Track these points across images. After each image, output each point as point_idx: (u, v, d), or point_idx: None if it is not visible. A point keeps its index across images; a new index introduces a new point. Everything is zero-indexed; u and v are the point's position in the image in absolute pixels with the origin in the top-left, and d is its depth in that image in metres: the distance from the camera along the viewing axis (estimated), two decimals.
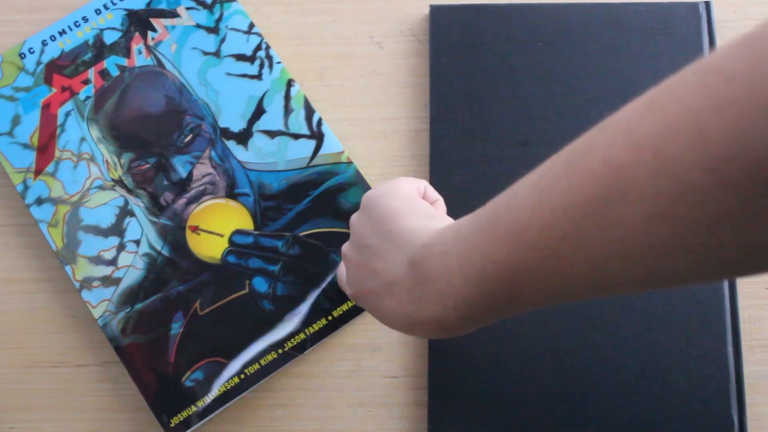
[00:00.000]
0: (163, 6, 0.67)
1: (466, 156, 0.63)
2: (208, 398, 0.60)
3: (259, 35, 0.67)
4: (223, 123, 0.65)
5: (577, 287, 0.37)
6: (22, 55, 0.66)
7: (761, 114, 0.27)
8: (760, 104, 0.27)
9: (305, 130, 0.65)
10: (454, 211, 0.61)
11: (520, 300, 0.39)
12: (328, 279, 0.62)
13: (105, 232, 0.63)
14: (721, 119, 0.28)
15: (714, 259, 0.32)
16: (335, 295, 0.62)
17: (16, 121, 0.65)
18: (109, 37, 0.67)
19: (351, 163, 0.64)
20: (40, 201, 0.63)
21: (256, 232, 0.63)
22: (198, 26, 0.67)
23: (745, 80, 0.28)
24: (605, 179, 0.33)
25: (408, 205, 0.49)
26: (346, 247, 0.53)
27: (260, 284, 0.62)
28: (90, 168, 0.64)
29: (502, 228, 0.38)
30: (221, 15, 0.67)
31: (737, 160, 0.28)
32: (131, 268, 0.62)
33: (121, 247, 0.63)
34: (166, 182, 0.63)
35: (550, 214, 0.35)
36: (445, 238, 0.43)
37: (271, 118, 0.65)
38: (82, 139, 0.64)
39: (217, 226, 0.63)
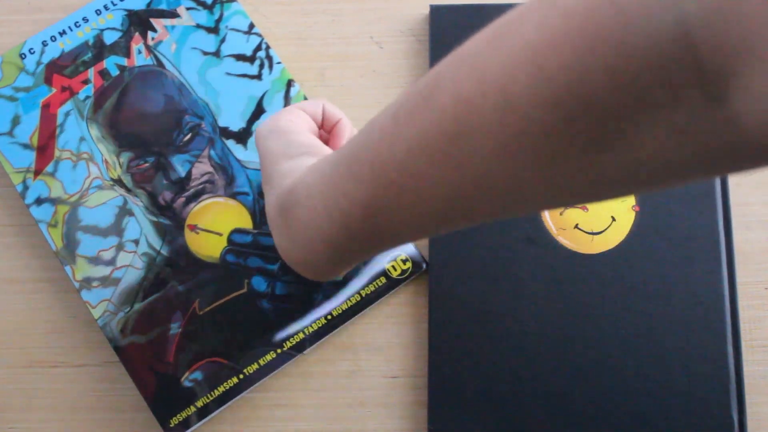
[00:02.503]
0: (163, 6, 0.67)
1: None
2: (208, 398, 0.60)
3: (259, 35, 0.67)
4: (222, 122, 0.65)
5: (435, 221, 0.38)
6: (23, 56, 0.66)
7: (594, 49, 0.28)
8: (594, 39, 0.28)
9: None
10: None
11: (383, 237, 0.41)
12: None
13: (104, 232, 0.63)
14: (559, 54, 0.29)
15: (561, 188, 0.33)
16: (335, 294, 0.62)
17: (15, 121, 0.65)
18: (109, 37, 0.67)
19: None
20: (39, 201, 0.63)
21: (255, 231, 0.63)
22: (198, 26, 0.67)
23: (582, 16, 0.29)
24: (455, 114, 0.33)
25: (285, 145, 0.50)
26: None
27: (259, 283, 0.62)
28: (89, 167, 0.64)
29: (363, 166, 0.39)
30: (221, 15, 0.67)
31: (575, 94, 0.29)
32: (130, 267, 0.62)
33: (120, 247, 0.63)
34: (165, 181, 0.64)
35: (407, 151, 0.36)
36: (310, 180, 0.44)
37: None
38: (82, 139, 0.64)
39: (216, 225, 0.63)
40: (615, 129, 0.29)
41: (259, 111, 0.65)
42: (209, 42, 0.66)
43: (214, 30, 0.67)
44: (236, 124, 0.65)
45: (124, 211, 0.63)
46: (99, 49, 0.66)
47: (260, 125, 0.54)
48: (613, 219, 0.61)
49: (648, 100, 0.28)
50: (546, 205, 0.36)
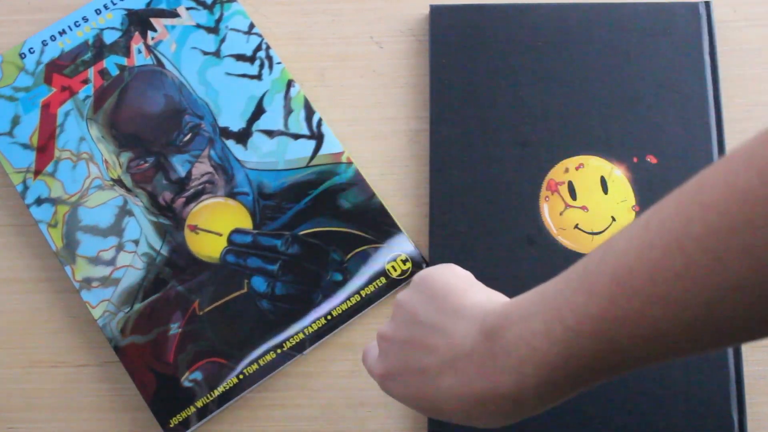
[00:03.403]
0: (163, 6, 0.67)
1: (466, 156, 0.63)
2: (208, 398, 0.60)
3: (259, 35, 0.67)
4: (222, 122, 0.65)
5: (682, 339, 0.34)
6: (22, 55, 0.66)
7: None
8: None
9: (305, 131, 0.65)
10: (454, 211, 0.61)
11: (614, 359, 0.36)
12: (328, 278, 0.62)
13: (104, 232, 0.63)
14: None
15: None
16: (335, 294, 0.62)
17: (15, 121, 0.65)
18: (109, 37, 0.67)
19: (351, 163, 0.64)
20: (39, 201, 0.63)
21: (255, 231, 0.63)
22: (198, 26, 0.67)
23: None
24: (728, 207, 0.30)
25: (470, 283, 0.46)
26: (385, 326, 0.48)
27: (259, 283, 0.62)
28: (89, 167, 0.64)
29: (600, 278, 0.35)
30: (221, 15, 0.67)
31: None
32: (130, 268, 0.62)
33: (120, 247, 0.63)
34: (165, 181, 0.63)
35: (661, 254, 0.33)
36: (525, 303, 0.39)
37: (271, 118, 0.65)
38: (82, 139, 0.64)
39: (215, 226, 0.63)
40: None
41: (259, 111, 0.65)
42: (209, 42, 0.66)
43: (214, 30, 0.67)
44: (236, 124, 0.65)
45: (124, 211, 0.63)
46: (99, 48, 0.66)
47: (427, 269, 0.48)
48: (613, 219, 0.61)
49: None
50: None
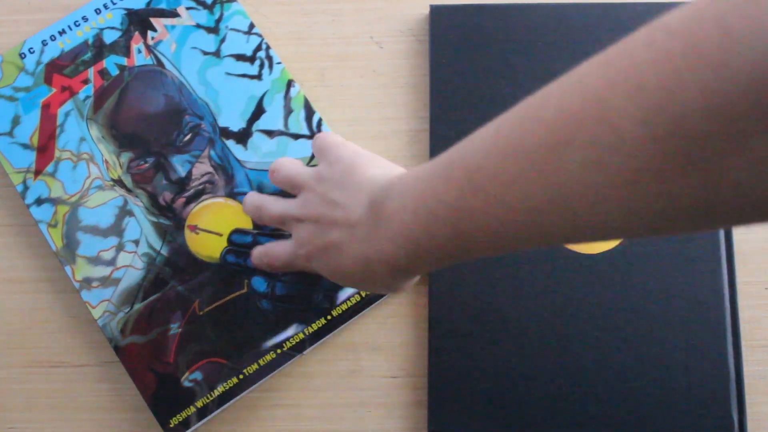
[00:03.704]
0: (162, 6, 0.67)
1: None
2: (208, 398, 0.60)
3: (259, 35, 0.67)
4: (222, 122, 0.65)
5: (516, 236, 0.38)
6: (22, 55, 0.66)
7: (693, 68, 0.28)
8: (694, 58, 0.28)
9: (305, 131, 0.65)
10: None
11: (464, 245, 0.41)
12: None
13: (104, 232, 0.63)
14: (658, 71, 0.30)
15: (638, 213, 0.33)
16: (334, 294, 0.62)
17: (16, 121, 0.65)
18: (109, 37, 0.67)
19: None
20: (39, 201, 0.63)
21: (255, 231, 0.63)
22: (198, 26, 0.67)
23: (686, 35, 0.29)
24: (554, 126, 0.34)
25: (371, 158, 0.52)
26: (294, 208, 0.54)
27: (259, 284, 0.62)
28: (89, 168, 0.64)
29: (455, 171, 0.40)
30: (221, 15, 0.67)
31: (667, 112, 0.29)
32: (130, 268, 0.62)
33: (120, 247, 0.63)
34: (165, 181, 0.63)
35: (501, 159, 0.37)
36: (404, 180, 0.45)
37: (271, 118, 0.65)
38: (82, 139, 0.64)
39: (216, 226, 0.63)
40: (700, 155, 0.29)
41: (259, 111, 0.65)
42: (209, 42, 0.66)
43: (214, 30, 0.67)
44: (236, 124, 0.65)
45: (124, 212, 0.63)
46: (99, 48, 0.66)
47: (328, 137, 0.57)
48: None
49: (740, 127, 0.28)
50: (615, 232, 0.36)
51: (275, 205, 0.57)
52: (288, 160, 0.58)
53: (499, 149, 0.37)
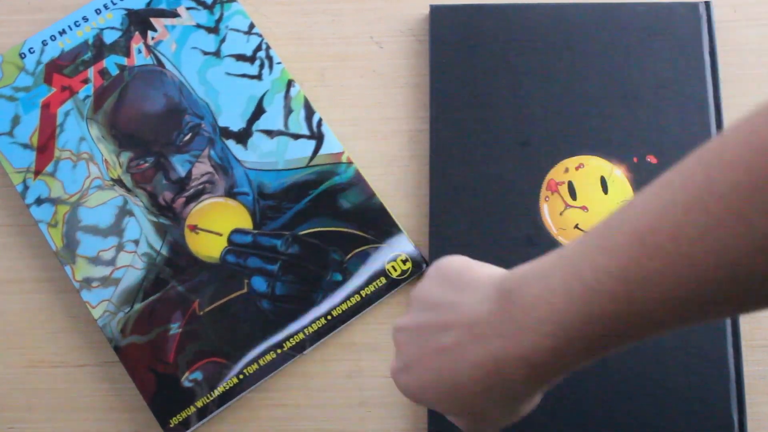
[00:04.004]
0: (163, 6, 0.67)
1: (466, 156, 0.63)
2: (208, 398, 0.60)
3: (260, 35, 0.67)
4: (222, 122, 0.65)
5: (705, 300, 0.33)
6: (23, 55, 0.66)
7: None
8: None
9: (305, 131, 0.65)
10: (454, 211, 0.61)
11: (634, 320, 0.35)
12: (328, 278, 0.62)
13: (104, 232, 0.63)
14: None
15: None
16: (334, 294, 0.62)
17: (15, 121, 0.65)
18: (109, 37, 0.67)
19: (351, 164, 0.64)
20: (39, 201, 0.63)
21: (255, 231, 0.63)
22: (198, 26, 0.67)
23: None
24: (751, 164, 0.30)
25: (481, 263, 0.45)
26: (399, 321, 0.47)
27: (259, 284, 0.62)
28: (89, 167, 0.64)
29: (622, 236, 0.34)
30: (221, 15, 0.67)
31: None
32: (130, 267, 0.62)
33: (120, 247, 0.63)
34: (165, 181, 0.63)
35: (684, 213, 0.32)
36: (543, 263, 0.39)
37: (271, 118, 0.65)
38: (82, 139, 0.64)
39: (216, 225, 0.63)
40: None
41: (259, 111, 0.65)
42: (209, 42, 0.66)
43: (214, 30, 0.67)
44: (236, 124, 0.65)
45: (124, 211, 0.63)
46: (99, 48, 0.66)
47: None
48: None
49: None
50: None
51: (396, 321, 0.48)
52: None
53: (677, 202, 0.33)
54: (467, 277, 0.43)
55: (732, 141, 0.32)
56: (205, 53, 0.66)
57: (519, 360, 0.38)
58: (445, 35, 0.65)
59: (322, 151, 0.64)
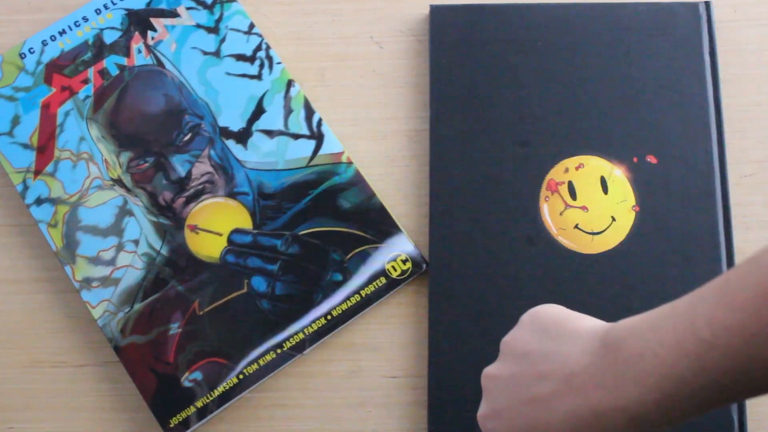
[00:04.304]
0: (162, 6, 0.67)
1: (466, 156, 0.63)
2: (208, 398, 0.60)
3: (260, 35, 0.67)
4: (222, 122, 0.65)
5: None
6: (22, 55, 0.66)
7: None
8: None
9: (305, 131, 0.65)
10: (454, 211, 0.61)
11: (745, 379, 0.34)
12: (328, 278, 0.62)
13: (104, 232, 0.63)
14: None
15: None
16: (334, 294, 0.62)
17: (15, 121, 0.65)
18: (109, 37, 0.67)
19: (351, 163, 0.64)
20: (39, 201, 0.63)
21: (255, 231, 0.63)
22: (198, 26, 0.67)
23: None
24: None
25: (580, 314, 0.45)
26: (491, 367, 0.46)
27: (259, 283, 0.62)
28: (89, 167, 0.64)
29: (743, 291, 0.34)
30: (221, 15, 0.67)
31: None
32: (130, 267, 0.62)
33: (120, 247, 0.63)
34: (165, 181, 0.63)
35: None
36: (653, 316, 0.38)
37: (271, 118, 0.65)
38: (82, 139, 0.64)
39: (215, 225, 0.63)
40: None
41: (259, 111, 0.65)
42: (209, 42, 0.66)
43: (214, 30, 0.67)
44: (236, 124, 0.65)
45: (124, 211, 0.63)
46: (99, 48, 0.66)
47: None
48: (613, 219, 0.61)
49: None
50: None
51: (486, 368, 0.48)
52: None
53: None
54: (566, 327, 0.42)
55: None
56: (205, 53, 0.66)
57: (620, 412, 0.37)
58: (445, 35, 0.65)
59: (322, 151, 0.64)
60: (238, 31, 0.67)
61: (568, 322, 0.43)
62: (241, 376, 0.60)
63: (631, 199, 0.61)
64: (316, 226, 0.63)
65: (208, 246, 0.62)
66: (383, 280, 0.62)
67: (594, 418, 0.38)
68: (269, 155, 0.64)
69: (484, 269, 0.60)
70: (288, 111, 0.65)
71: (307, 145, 0.64)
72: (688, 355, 0.35)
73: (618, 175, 0.61)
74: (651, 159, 0.61)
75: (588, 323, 0.42)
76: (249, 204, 0.63)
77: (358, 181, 0.64)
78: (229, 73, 0.66)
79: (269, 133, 0.65)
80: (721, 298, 0.35)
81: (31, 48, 0.66)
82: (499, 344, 0.47)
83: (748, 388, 0.35)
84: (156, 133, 0.65)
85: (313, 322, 0.61)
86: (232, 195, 0.63)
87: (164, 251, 0.62)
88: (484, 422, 0.45)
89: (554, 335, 0.42)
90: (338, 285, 0.62)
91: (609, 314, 0.58)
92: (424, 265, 0.62)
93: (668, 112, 0.62)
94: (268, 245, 0.62)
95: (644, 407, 0.36)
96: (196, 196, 0.63)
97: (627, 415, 0.37)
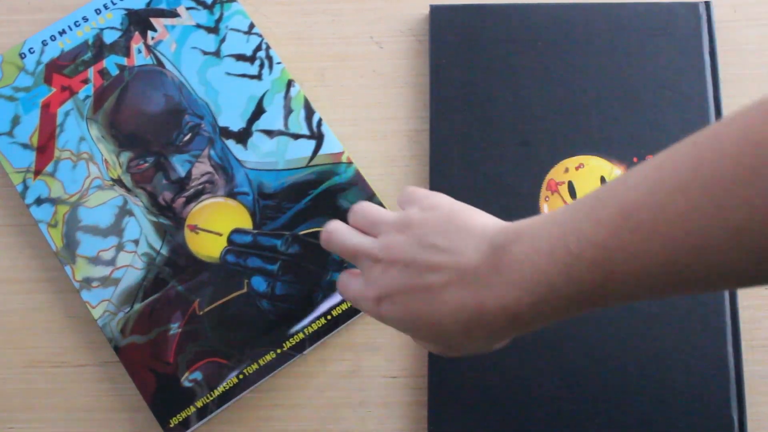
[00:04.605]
0: (162, 6, 0.67)
1: (466, 156, 0.63)
2: (208, 398, 0.60)
3: (259, 35, 0.67)
4: (222, 122, 0.65)
5: (676, 278, 0.35)
6: (22, 55, 0.66)
7: None
8: None
9: (305, 131, 0.65)
10: None
11: (607, 288, 0.38)
12: (328, 278, 0.62)
13: (104, 232, 0.63)
14: None
15: None
16: (334, 294, 0.62)
17: (15, 121, 0.65)
18: (109, 37, 0.67)
19: (351, 163, 0.64)
20: (39, 201, 0.63)
21: (255, 231, 0.63)
22: (198, 26, 0.67)
23: None
24: (740, 156, 0.32)
25: (473, 208, 0.48)
26: (375, 248, 0.48)
27: (259, 283, 0.62)
28: (89, 167, 0.64)
29: (608, 208, 0.37)
30: (221, 15, 0.67)
31: None
32: (130, 267, 0.62)
33: (120, 247, 0.62)
34: (165, 181, 0.63)
35: (668, 194, 0.34)
36: (535, 224, 0.41)
37: (271, 118, 0.65)
38: (82, 139, 0.64)
39: (215, 225, 0.63)
40: None
41: (259, 111, 0.65)
42: (209, 42, 0.66)
43: (214, 30, 0.67)
44: (236, 124, 0.65)
45: (124, 211, 0.63)
46: (99, 48, 0.66)
47: (413, 187, 0.51)
48: None
49: None
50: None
51: (351, 238, 0.50)
52: (342, 224, 0.52)
53: (665, 183, 0.35)
54: (462, 221, 0.46)
55: (725, 133, 0.33)
56: (205, 53, 0.66)
57: (501, 310, 0.41)
58: (445, 35, 0.65)
59: (322, 151, 0.64)
60: (238, 31, 0.67)
61: (463, 216, 0.46)
62: (241, 376, 0.60)
63: None
64: (316, 226, 0.62)
65: (208, 246, 0.62)
66: None
67: (479, 314, 0.42)
68: (269, 155, 0.64)
69: None
70: (288, 111, 0.65)
71: (307, 145, 0.64)
72: (557, 264, 0.39)
73: (618, 175, 0.61)
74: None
75: (480, 219, 0.46)
76: (249, 204, 0.63)
77: (358, 181, 0.64)
78: (229, 73, 0.66)
79: (269, 133, 0.64)
80: (590, 213, 0.38)
81: (31, 48, 0.66)
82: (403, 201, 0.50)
83: (609, 299, 0.38)
84: (156, 133, 0.65)
85: (313, 322, 0.61)
86: (232, 195, 0.63)
87: (164, 251, 0.62)
88: (377, 305, 0.47)
89: (450, 230, 0.45)
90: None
91: (609, 314, 0.58)
92: None
93: (668, 112, 0.62)
94: (268, 245, 0.62)
95: (521, 308, 0.41)
96: (196, 196, 0.63)
97: (506, 314, 0.41)
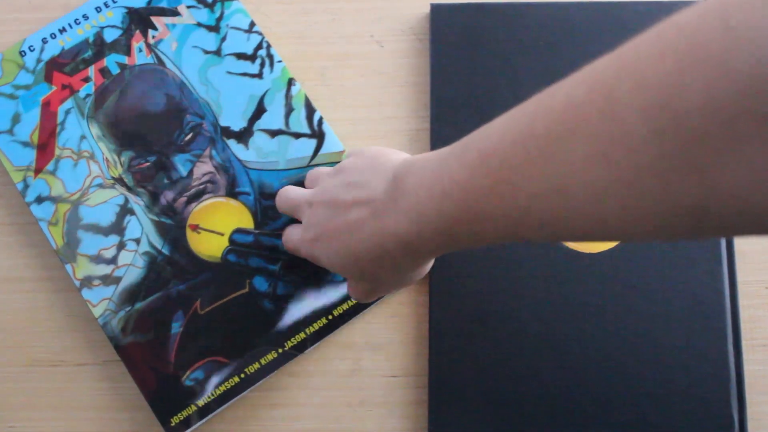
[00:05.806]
0: (163, 4, 0.67)
1: None
2: (209, 397, 0.60)
3: (260, 34, 0.67)
4: (223, 122, 0.65)
5: (517, 222, 0.38)
6: (23, 53, 0.66)
7: (695, 64, 0.28)
8: (697, 55, 0.28)
9: (306, 130, 0.65)
10: None
11: (470, 227, 0.41)
12: (329, 278, 0.62)
13: (105, 231, 0.63)
14: (662, 65, 0.29)
15: (637, 214, 0.33)
16: (335, 293, 0.62)
17: (16, 119, 0.65)
18: (110, 35, 0.67)
19: None
20: (40, 199, 0.63)
21: (257, 231, 0.63)
22: (199, 25, 0.67)
23: (690, 30, 0.29)
24: (562, 116, 0.34)
25: (398, 151, 0.52)
26: (309, 194, 0.54)
27: (260, 283, 0.62)
28: (90, 166, 0.64)
29: (470, 153, 0.40)
30: (222, 14, 0.67)
31: (669, 108, 0.29)
32: (131, 266, 0.62)
33: (121, 246, 0.62)
34: (166, 181, 0.63)
35: (511, 143, 0.37)
36: (425, 158, 0.45)
37: (272, 117, 0.65)
38: (82, 137, 0.64)
39: (217, 225, 0.63)
40: (699, 155, 0.29)
41: (260, 110, 0.65)
42: (210, 40, 0.66)
43: (214, 28, 0.67)
44: (237, 124, 0.65)
45: (125, 210, 0.63)
46: (99, 47, 0.66)
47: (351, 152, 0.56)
48: None
49: (736, 130, 0.27)
50: (612, 232, 0.36)
51: (293, 192, 0.58)
52: (290, 186, 0.60)
53: (511, 134, 0.38)
54: (380, 162, 0.50)
55: (557, 91, 0.36)
56: (206, 52, 0.66)
57: (394, 237, 0.45)
58: (446, 34, 0.65)
59: (324, 150, 0.64)
60: (239, 29, 0.67)
61: (382, 158, 0.50)
62: (242, 375, 0.60)
63: None
64: None
65: (210, 245, 0.62)
66: None
67: (381, 240, 0.46)
68: (270, 155, 0.64)
69: (485, 268, 0.60)
70: (289, 110, 0.65)
71: (308, 145, 0.64)
72: (434, 199, 0.42)
73: None
74: None
75: (394, 156, 0.50)
76: (250, 204, 0.63)
77: None
78: (230, 72, 0.66)
79: (270, 133, 0.64)
80: (461, 154, 0.41)
81: (32, 46, 0.66)
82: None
83: (476, 237, 0.42)
84: (157, 133, 0.64)
85: (314, 321, 0.61)
86: (233, 195, 0.63)
87: (165, 250, 0.62)
88: (312, 248, 0.52)
89: (369, 169, 0.50)
90: (339, 284, 0.62)
91: (609, 314, 0.59)
92: None
93: None
94: (269, 245, 0.62)
95: (410, 236, 0.44)
96: (198, 196, 0.63)
97: (400, 241, 0.45)
